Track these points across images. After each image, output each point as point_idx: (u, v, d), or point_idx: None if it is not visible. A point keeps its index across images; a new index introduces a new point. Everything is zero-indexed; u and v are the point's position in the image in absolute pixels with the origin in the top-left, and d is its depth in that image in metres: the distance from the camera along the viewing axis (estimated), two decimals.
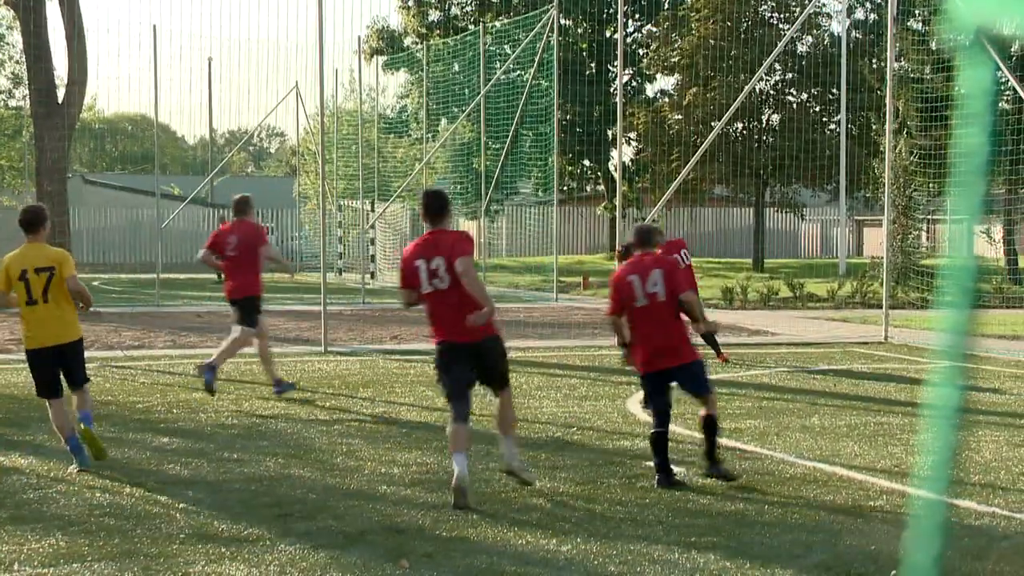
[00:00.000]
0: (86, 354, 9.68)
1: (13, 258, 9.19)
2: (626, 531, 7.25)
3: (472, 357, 8.16)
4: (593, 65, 47.80)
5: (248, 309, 12.76)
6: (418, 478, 8.71)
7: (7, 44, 50.55)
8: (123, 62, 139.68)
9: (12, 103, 51.91)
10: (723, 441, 10.29)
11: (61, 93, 25.52)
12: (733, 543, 7.00)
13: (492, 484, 8.48)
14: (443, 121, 42.65)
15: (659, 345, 8.67)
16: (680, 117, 42.23)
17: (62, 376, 9.16)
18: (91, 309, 9.62)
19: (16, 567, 6.39)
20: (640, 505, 7.91)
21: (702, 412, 8.83)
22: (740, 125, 42.29)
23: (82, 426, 9.02)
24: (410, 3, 50.78)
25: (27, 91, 27.06)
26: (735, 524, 7.43)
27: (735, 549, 6.86)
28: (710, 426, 8.74)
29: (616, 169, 37.05)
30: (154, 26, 27.11)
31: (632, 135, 45.15)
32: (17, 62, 47.30)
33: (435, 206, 8.33)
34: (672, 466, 8.65)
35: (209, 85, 62.24)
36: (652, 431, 8.71)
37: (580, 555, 6.72)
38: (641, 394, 9.27)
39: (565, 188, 49.02)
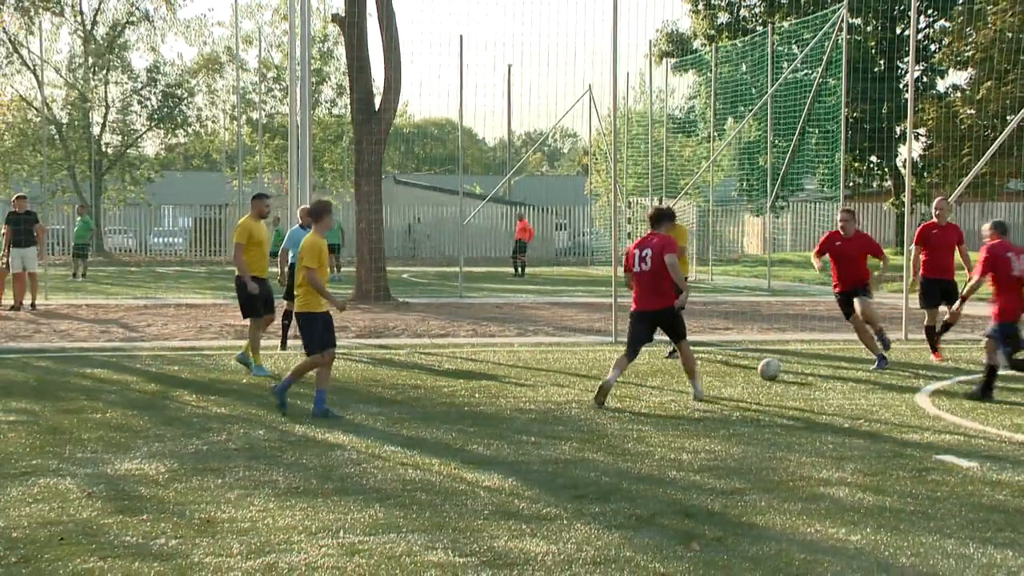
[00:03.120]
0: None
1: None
2: (917, 524, 6.96)
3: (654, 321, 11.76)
4: (882, 62, 46.05)
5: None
6: (706, 464, 8.64)
7: (334, 58, 53.35)
8: (432, 70, 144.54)
9: (335, 111, 54.72)
10: (1012, 435, 9.74)
11: (378, 101, 26.66)
12: None
13: (779, 473, 8.32)
14: (729, 120, 42.09)
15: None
16: (972, 112, 40.11)
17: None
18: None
19: (342, 534, 6.73)
20: (931, 498, 7.58)
21: None
22: None
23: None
24: (700, 6, 50.32)
25: (348, 100, 28.39)
26: None
27: None
28: None
29: (905, 165, 35.58)
30: (460, 36, 27.96)
31: (921, 131, 43.20)
32: (343, 73, 49.74)
33: (655, 217, 12.03)
34: (961, 459, 8.68)
35: (508, 89, 63.62)
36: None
37: (870, 545, 6.50)
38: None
39: (851, 184, 47.47)
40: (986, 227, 12.22)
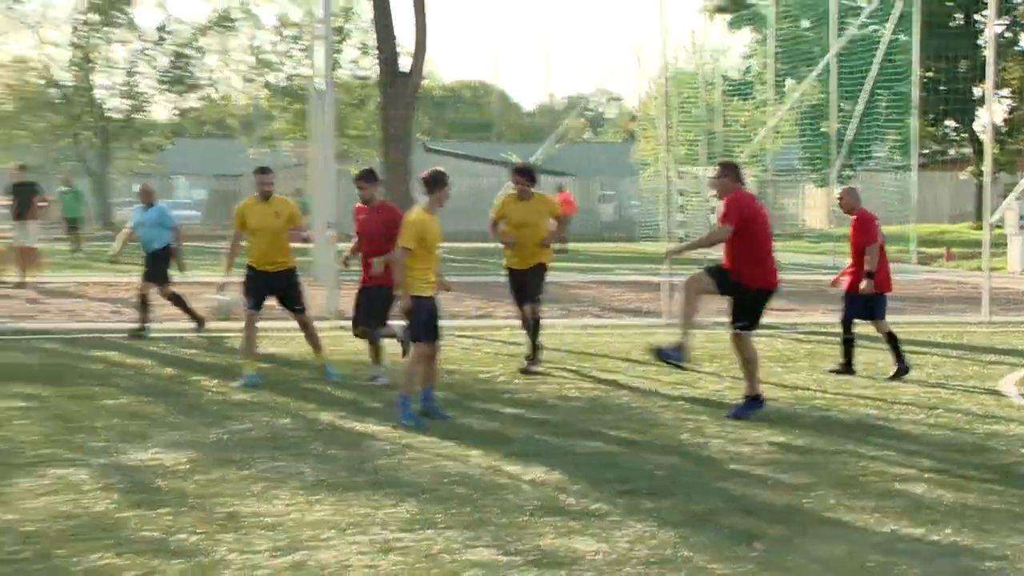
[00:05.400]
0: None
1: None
2: (1004, 524, 6.93)
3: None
4: (960, 16, 45.54)
5: None
6: (769, 458, 8.64)
7: (355, 14, 53.34)
8: (464, 29, 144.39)
9: (359, 73, 54.69)
10: None
11: (405, 63, 26.65)
12: None
13: (849, 467, 8.31)
14: (790, 82, 41.78)
15: None
16: None
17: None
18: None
19: (375, 530, 6.77)
20: (1019, 496, 7.55)
21: None
22: None
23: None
24: None
25: (372, 61, 28.39)
26: None
27: None
28: None
29: (985, 130, 35.27)
30: None
31: (1004, 92, 42.74)
32: (366, 31, 49.70)
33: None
34: None
35: (548, 50, 63.33)
36: None
37: (951, 547, 6.49)
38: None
39: (926, 152, 47.05)
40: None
